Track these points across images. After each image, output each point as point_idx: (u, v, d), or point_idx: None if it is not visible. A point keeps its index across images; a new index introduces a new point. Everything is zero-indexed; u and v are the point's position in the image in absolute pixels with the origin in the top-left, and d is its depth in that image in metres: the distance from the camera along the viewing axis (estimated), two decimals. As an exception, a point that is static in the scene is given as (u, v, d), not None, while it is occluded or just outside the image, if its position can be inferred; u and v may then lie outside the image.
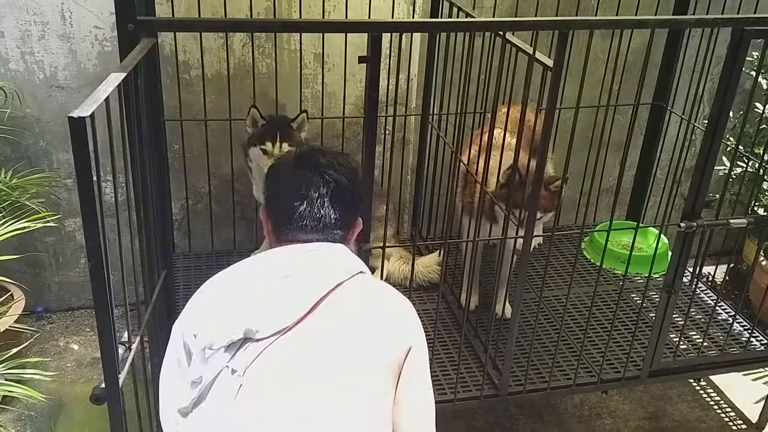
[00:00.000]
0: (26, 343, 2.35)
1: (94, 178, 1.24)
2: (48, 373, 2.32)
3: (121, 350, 1.54)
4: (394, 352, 1.43)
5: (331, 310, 1.43)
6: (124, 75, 1.36)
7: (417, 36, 2.83)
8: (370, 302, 1.50)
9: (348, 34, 2.45)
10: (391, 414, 1.40)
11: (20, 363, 2.11)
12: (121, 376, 1.49)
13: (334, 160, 1.58)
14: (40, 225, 2.22)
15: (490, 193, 2.26)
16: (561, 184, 2.27)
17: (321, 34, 2.56)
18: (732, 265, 3.37)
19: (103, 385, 1.46)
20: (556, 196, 2.28)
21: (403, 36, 2.77)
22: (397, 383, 1.42)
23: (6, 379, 2.01)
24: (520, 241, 2.09)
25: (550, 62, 1.80)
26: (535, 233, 2.13)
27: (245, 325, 1.37)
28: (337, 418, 1.33)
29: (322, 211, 1.53)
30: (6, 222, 2.24)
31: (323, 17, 2.65)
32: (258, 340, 1.37)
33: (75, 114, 1.16)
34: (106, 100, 1.28)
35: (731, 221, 2.17)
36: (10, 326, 2.41)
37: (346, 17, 2.58)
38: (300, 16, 2.62)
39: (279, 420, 1.32)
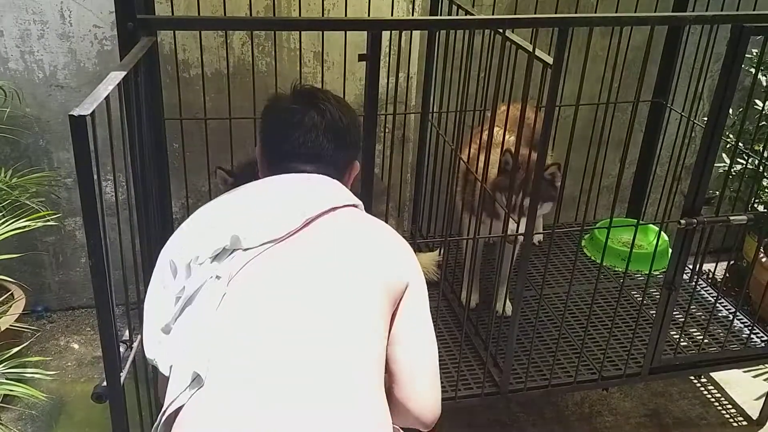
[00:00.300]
0: (26, 343, 2.34)
1: (95, 177, 1.24)
2: (49, 372, 2.32)
3: (122, 348, 1.54)
4: (391, 279, 1.37)
5: (326, 228, 1.40)
6: (124, 73, 1.36)
7: (416, 34, 2.83)
8: (369, 228, 1.47)
9: (348, 33, 2.44)
10: (385, 341, 1.34)
11: (21, 362, 2.11)
12: (123, 375, 1.49)
13: (330, 96, 1.58)
14: (40, 224, 2.22)
15: (487, 187, 2.26)
16: (555, 171, 2.26)
17: (320, 33, 2.56)
18: (732, 262, 3.37)
19: (104, 384, 1.46)
20: (551, 184, 2.27)
21: (403, 34, 2.77)
22: (393, 318, 1.37)
23: (7, 378, 2.01)
24: (519, 238, 2.09)
25: (550, 59, 1.80)
26: (534, 230, 2.13)
27: (233, 233, 1.33)
28: (325, 328, 1.28)
29: (317, 141, 1.51)
30: (6, 221, 2.24)
31: (323, 15, 2.65)
32: (246, 250, 1.34)
33: (75, 112, 1.16)
34: (107, 98, 1.28)
35: (731, 218, 2.17)
36: (10, 325, 2.41)
37: (346, 15, 2.58)
38: (299, 15, 2.62)
39: (261, 328, 1.27)
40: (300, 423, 1.17)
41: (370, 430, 1.22)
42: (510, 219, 2.15)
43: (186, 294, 1.32)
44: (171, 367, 1.28)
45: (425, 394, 1.39)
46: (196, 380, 1.23)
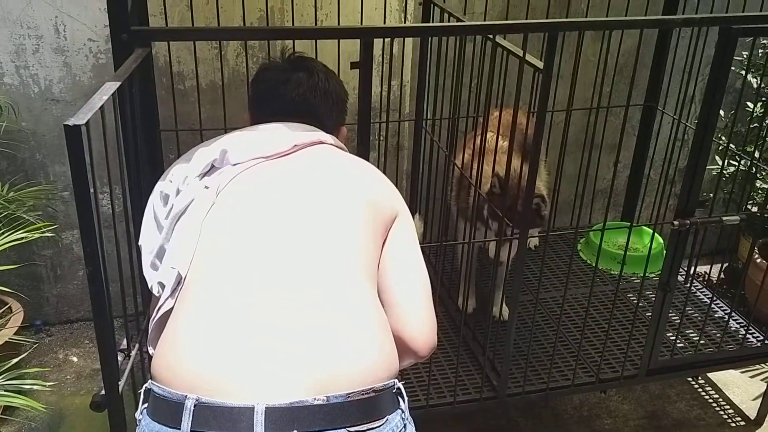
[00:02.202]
0: (24, 354, 2.35)
1: (90, 184, 1.25)
2: (48, 383, 2.33)
3: (120, 357, 1.54)
4: (380, 201, 1.39)
5: (315, 152, 1.44)
6: (118, 84, 1.38)
7: (409, 43, 2.86)
8: (357, 159, 1.52)
9: (341, 43, 2.46)
10: (374, 253, 1.34)
11: (20, 374, 2.11)
12: (121, 383, 1.50)
13: (319, 63, 1.66)
14: (36, 235, 2.23)
15: (486, 199, 2.27)
16: (539, 202, 2.28)
17: (314, 43, 2.58)
18: (728, 264, 3.39)
19: (103, 392, 1.47)
20: (536, 213, 2.29)
21: (396, 43, 2.80)
22: (385, 242, 1.37)
23: (6, 390, 2.02)
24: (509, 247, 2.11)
25: (540, 64, 1.82)
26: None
27: (222, 148, 1.37)
28: (311, 232, 1.29)
29: (305, 97, 1.56)
30: (3, 233, 2.25)
31: (315, 26, 2.67)
32: (234, 165, 1.37)
33: (71, 122, 1.17)
34: (101, 109, 1.30)
35: (724, 218, 2.18)
36: (9, 338, 2.42)
37: (339, 25, 2.60)
38: (293, 25, 2.64)
39: (246, 232, 1.28)
40: (285, 315, 1.17)
41: (372, 327, 1.22)
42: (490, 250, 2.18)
43: (175, 211, 1.35)
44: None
45: (420, 322, 1.36)
46: (180, 282, 1.26)
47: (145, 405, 1.19)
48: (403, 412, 1.22)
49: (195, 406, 1.09)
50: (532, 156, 1.96)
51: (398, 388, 1.23)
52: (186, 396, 1.10)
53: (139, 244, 1.44)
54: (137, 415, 1.21)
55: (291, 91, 1.58)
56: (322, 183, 1.38)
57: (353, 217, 1.33)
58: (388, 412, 1.18)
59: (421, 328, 1.35)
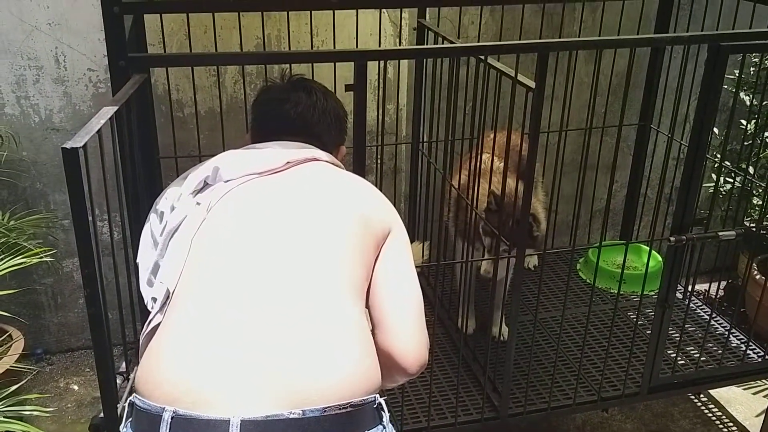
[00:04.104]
0: (24, 382, 2.35)
1: (88, 207, 1.27)
2: (48, 409, 2.33)
3: (119, 380, 1.55)
4: (372, 217, 1.39)
5: (308, 170, 1.45)
6: (116, 108, 1.40)
7: (404, 67, 2.89)
8: (352, 176, 1.53)
9: (337, 68, 2.50)
10: (363, 270, 1.33)
11: (20, 400, 2.11)
12: (120, 406, 1.50)
13: (318, 84, 1.68)
14: (35, 260, 2.25)
15: (481, 218, 2.29)
16: (531, 222, 2.30)
17: (310, 68, 2.61)
18: (727, 281, 3.39)
19: (101, 415, 1.48)
20: (528, 234, 2.30)
21: (391, 66, 2.84)
22: (377, 258, 1.37)
23: (6, 417, 2.02)
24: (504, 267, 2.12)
25: (532, 84, 1.84)
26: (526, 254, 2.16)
27: (214, 166, 1.40)
28: (299, 248, 1.29)
29: (303, 115, 1.58)
30: (2, 260, 2.26)
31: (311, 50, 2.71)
32: (227, 182, 1.39)
33: (68, 145, 1.20)
34: (99, 132, 1.32)
35: (720, 234, 2.20)
36: (10, 366, 2.42)
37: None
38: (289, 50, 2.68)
39: (235, 247, 1.29)
40: (264, 329, 1.18)
41: (352, 342, 1.22)
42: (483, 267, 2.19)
43: (169, 227, 1.37)
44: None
45: (409, 338, 1.34)
46: (168, 297, 1.27)
47: (130, 419, 1.20)
48: (384, 427, 1.22)
49: (172, 418, 1.10)
50: (527, 175, 1.98)
51: (379, 403, 1.22)
52: (164, 408, 1.11)
53: (137, 261, 1.48)
54: (122, 428, 1.22)
55: (290, 110, 1.61)
56: (313, 199, 1.39)
57: (342, 233, 1.33)
58: (367, 427, 1.18)
59: (411, 344, 1.34)
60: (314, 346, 1.18)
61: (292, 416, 1.09)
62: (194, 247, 1.32)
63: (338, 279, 1.28)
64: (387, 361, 1.32)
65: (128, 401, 1.20)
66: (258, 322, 1.19)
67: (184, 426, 1.09)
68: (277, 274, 1.25)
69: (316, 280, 1.26)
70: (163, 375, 1.16)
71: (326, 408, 1.12)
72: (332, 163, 1.56)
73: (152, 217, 1.47)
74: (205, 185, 1.43)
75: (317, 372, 1.15)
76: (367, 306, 1.37)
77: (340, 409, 1.13)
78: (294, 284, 1.25)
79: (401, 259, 1.41)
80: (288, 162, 1.44)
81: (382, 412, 1.23)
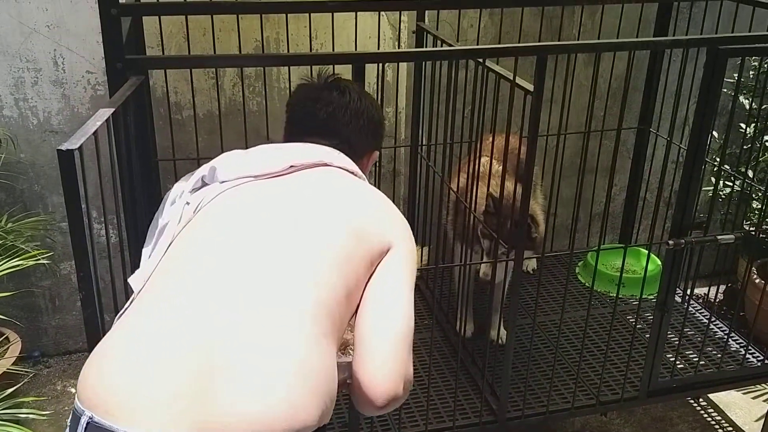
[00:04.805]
0: (20, 384, 2.34)
1: (83, 209, 1.27)
2: (44, 412, 2.32)
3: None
4: (368, 232, 1.29)
5: (311, 176, 1.36)
6: (112, 110, 1.40)
7: (403, 70, 2.89)
8: (360, 186, 1.41)
9: (336, 71, 2.51)
10: (342, 289, 1.22)
11: (16, 403, 2.11)
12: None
13: (356, 85, 1.58)
14: (32, 263, 2.24)
15: (480, 221, 2.29)
16: (529, 223, 2.29)
17: (309, 69, 2.61)
18: (729, 285, 3.39)
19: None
20: (527, 235, 2.30)
21: (390, 70, 2.83)
22: (372, 276, 1.28)
23: (2, 420, 2.01)
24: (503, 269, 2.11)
25: (530, 87, 1.84)
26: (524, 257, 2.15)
27: (212, 165, 1.35)
28: (275, 261, 1.20)
29: (336, 116, 1.50)
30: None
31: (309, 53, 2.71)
32: (222, 182, 1.33)
33: (64, 147, 1.20)
34: (95, 134, 1.32)
35: (719, 237, 2.19)
36: (7, 369, 2.41)
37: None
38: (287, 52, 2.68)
39: (208, 250, 1.23)
40: (201, 347, 1.09)
41: (285, 373, 1.10)
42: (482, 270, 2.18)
43: (162, 224, 1.35)
44: None
45: (380, 367, 1.21)
46: (132, 300, 1.24)
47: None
48: None
49: (87, 423, 1.06)
50: (525, 178, 1.98)
51: None
52: (84, 412, 1.08)
53: (143, 250, 1.45)
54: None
55: (320, 110, 1.52)
56: (306, 207, 1.31)
57: (326, 246, 1.24)
58: None
59: (381, 373, 1.21)
60: (243, 373, 1.08)
61: None
62: (170, 251, 1.28)
63: (307, 303, 1.17)
64: (356, 388, 1.23)
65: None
66: (202, 340, 1.10)
67: None
68: (240, 291, 1.17)
69: (281, 301, 1.16)
70: (92, 376, 1.12)
71: None
72: (347, 170, 1.44)
73: (159, 208, 1.45)
74: (203, 184, 1.39)
75: (233, 402, 1.06)
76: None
77: None
78: (254, 304, 1.15)
79: (394, 279, 1.29)
80: (292, 165, 1.36)
81: None
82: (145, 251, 1.44)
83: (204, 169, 1.41)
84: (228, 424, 1.04)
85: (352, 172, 1.45)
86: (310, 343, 1.14)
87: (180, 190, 1.42)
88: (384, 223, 1.35)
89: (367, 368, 1.21)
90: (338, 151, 1.47)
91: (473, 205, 2.25)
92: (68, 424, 1.12)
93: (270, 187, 1.34)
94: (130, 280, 1.35)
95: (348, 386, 1.28)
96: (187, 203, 1.35)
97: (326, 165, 1.41)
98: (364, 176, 1.49)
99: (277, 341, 1.12)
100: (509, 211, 2.18)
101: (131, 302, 1.26)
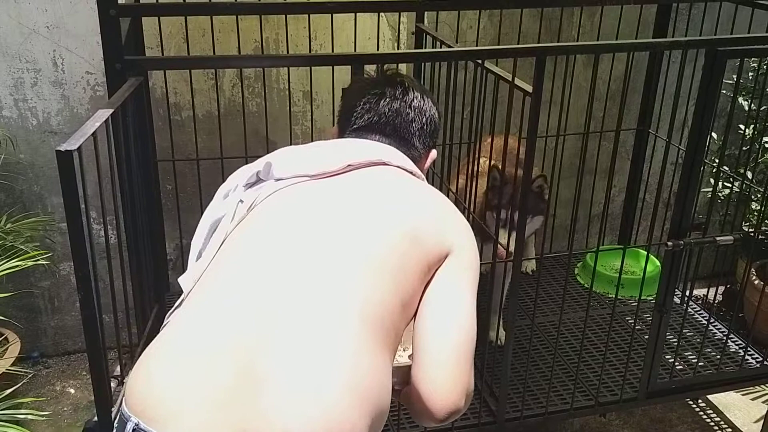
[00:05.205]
0: (19, 385, 2.34)
1: (82, 209, 1.27)
2: (43, 413, 2.32)
3: (113, 384, 1.55)
4: (425, 237, 1.23)
5: (369, 175, 1.30)
6: (111, 111, 1.40)
7: (403, 70, 2.88)
8: (419, 187, 1.35)
9: (335, 72, 2.51)
10: (399, 296, 1.17)
11: (15, 404, 2.11)
12: (114, 409, 1.50)
13: (418, 83, 1.51)
14: (31, 263, 2.25)
15: (478, 205, 2.28)
16: (542, 183, 2.29)
17: (309, 72, 2.62)
18: (729, 286, 3.39)
19: (95, 419, 1.47)
20: (539, 197, 2.29)
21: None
22: (429, 282, 1.23)
23: (1, 420, 2.01)
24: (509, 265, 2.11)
25: (529, 88, 1.84)
26: (525, 256, 2.15)
27: (268, 161, 1.29)
28: (321, 276, 1.15)
29: (399, 113, 1.43)
30: (-1, 262, 2.27)
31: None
32: (277, 180, 1.27)
33: (62, 147, 1.20)
34: (94, 135, 1.32)
35: (718, 239, 2.19)
36: (6, 369, 2.41)
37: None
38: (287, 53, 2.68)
39: (259, 253, 1.19)
40: (246, 355, 1.07)
41: (329, 388, 1.06)
42: (499, 240, 2.17)
43: (215, 218, 1.30)
44: None
45: (442, 378, 1.18)
46: (182, 301, 1.21)
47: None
48: None
49: (134, 430, 1.06)
50: (524, 181, 1.98)
51: None
52: (130, 418, 1.07)
53: (191, 242, 1.38)
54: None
55: (384, 106, 1.45)
56: (360, 211, 1.24)
57: (380, 252, 1.19)
58: None
59: (441, 385, 1.17)
60: (289, 385, 1.05)
61: None
62: (222, 250, 1.24)
63: (354, 305, 1.13)
64: (416, 400, 1.19)
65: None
66: (249, 344, 1.08)
67: None
68: (290, 299, 1.13)
69: (332, 310, 1.12)
70: (139, 383, 1.11)
71: None
72: (406, 169, 1.38)
73: (213, 200, 1.38)
74: (258, 180, 1.33)
75: (277, 415, 1.03)
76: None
77: None
78: (304, 313, 1.12)
79: (455, 286, 1.25)
80: (349, 165, 1.30)
81: None
82: (195, 246, 1.37)
83: (259, 164, 1.33)
84: None
85: (411, 172, 1.40)
86: (360, 353, 1.10)
87: (234, 184, 1.34)
88: (443, 227, 1.29)
89: (430, 380, 1.18)
90: (396, 150, 1.42)
91: (472, 206, 2.25)
92: (115, 425, 1.11)
93: (326, 189, 1.28)
94: (180, 280, 1.29)
95: (395, 392, 1.23)
96: (241, 201, 1.29)
97: (384, 164, 1.35)
98: (422, 176, 1.45)
99: (326, 350, 1.08)
100: (514, 181, 2.14)
101: (181, 302, 1.24)
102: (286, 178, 1.29)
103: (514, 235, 2.14)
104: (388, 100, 1.45)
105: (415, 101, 1.46)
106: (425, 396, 1.17)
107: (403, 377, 1.24)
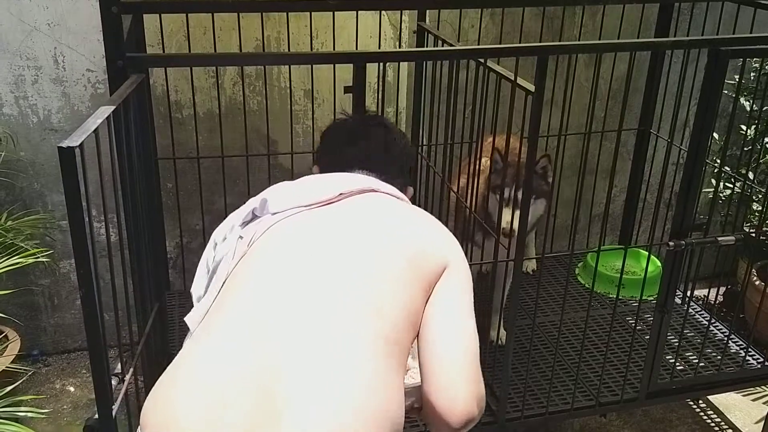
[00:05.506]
0: (19, 383, 2.34)
1: (84, 206, 1.26)
2: (43, 411, 2.32)
3: (114, 382, 1.54)
4: (422, 256, 1.27)
5: (361, 202, 1.36)
6: (113, 108, 1.39)
7: (404, 69, 2.89)
8: (408, 209, 1.42)
9: (336, 71, 2.51)
10: (404, 313, 1.21)
11: (15, 401, 2.10)
12: (115, 408, 1.49)
13: (396, 128, 1.64)
14: (31, 260, 2.24)
15: (480, 187, 2.27)
16: (546, 163, 2.28)
17: (310, 70, 2.61)
18: (730, 287, 3.38)
19: (96, 417, 1.47)
20: (542, 178, 2.29)
21: (391, 69, 2.83)
22: (429, 297, 1.26)
23: (1, 418, 2.01)
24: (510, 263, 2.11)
25: (531, 87, 1.84)
26: (525, 256, 2.14)
27: (263, 197, 1.34)
28: (332, 301, 1.18)
29: (379, 154, 1.52)
30: (-2, 260, 2.26)
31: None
32: (274, 214, 1.32)
33: (65, 144, 1.19)
34: (96, 132, 1.31)
35: (719, 239, 2.19)
36: (6, 367, 2.41)
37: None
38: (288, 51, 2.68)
39: (265, 284, 1.21)
40: (262, 378, 1.08)
41: (346, 410, 1.08)
42: (500, 245, 2.17)
43: (216, 259, 1.33)
44: None
45: (454, 388, 1.20)
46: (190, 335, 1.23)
47: None
48: None
49: None
50: (526, 180, 1.97)
51: None
52: None
53: (191, 291, 1.42)
54: None
55: (366, 147, 1.54)
56: (360, 233, 1.29)
57: (384, 274, 1.23)
58: None
59: (454, 394, 1.20)
60: (308, 404, 1.07)
61: None
62: (227, 285, 1.26)
63: (365, 327, 1.16)
64: (430, 414, 1.22)
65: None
66: (263, 371, 1.10)
67: None
68: (302, 325, 1.15)
69: (345, 330, 1.15)
70: (160, 410, 1.11)
71: None
72: (393, 195, 1.46)
73: (209, 245, 1.42)
74: (254, 217, 1.37)
75: None
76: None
77: None
78: (317, 336, 1.14)
79: (455, 298, 1.29)
80: (341, 193, 1.37)
81: None
82: (196, 289, 1.40)
83: (255, 202, 1.38)
84: None
85: (398, 198, 1.46)
86: (376, 374, 1.13)
87: (230, 225, 1.39)
88: (439, 244, 1.34)
89: (442, 392, 1.20)
90: (380, 180, 1.48)
91: (473, 206, 2.25)
92: None
93: (323, 215, 1.33)
94: (186, 319, 1.31)
95: (415, 410, 1.27)
96: (240, 237, 1.32)
97: (374, 191, 1.42)
98: (408, 202, 1.52)
99: (343, 373, 1.10)
100: (516, 165, 2.14)
101: (188, 339, 1.26)
102: (282, 210, 1.34)
103: (517, 214, 2.14)
104: (371, 140, 1.55)
105: (397, 140, 1.58)
106: (440, 409, 1.20)
107: (420, 395, 1.26)
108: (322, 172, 1.56)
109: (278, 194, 1.37)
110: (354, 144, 1.54)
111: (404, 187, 1.57)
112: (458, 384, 1.21)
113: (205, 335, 1.20)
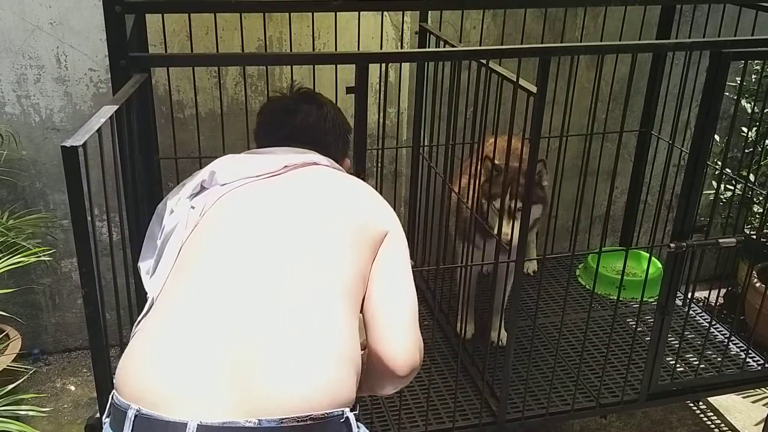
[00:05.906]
0: (20, 381, 2.34)
1: (86, 205, 1.27)
2: (44, 410, 2.32)
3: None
4: (367, 220, 1.39)
5: (306, 173, 1.47)
6: (116, 107, 1.40)
7: (406, 70, 2.89)
8: (350, 179, 1.54)
9: (338, 72, 2.51)
10: (353, 269, 1.32)
11: (16, 400, 2.11)
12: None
13: (328, 99, 1.73)
14: (33, 260, 2.25)
15: (480, 220, 2.28)
16: (541, 168, 2.28)
17: (312, 71, 2.61)
18: (730, 288, 3.39)
19: (97, 415, 1.47)
20: (537, 184, 2.29)
21: (393, 70, 2.83)
22: (374, 261, 1.37)
23: (2, 417, 2.01)
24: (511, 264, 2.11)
25: (533, 88, 1.84)
26: (526, 257, 2.15)
27: (210, 170, 1.42)
28: (290, 260, 1.28)
29: (314, 127, 1.62)
30: (0, 258, 2.26)
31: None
32: (222, 185, 1.41)
33: (68, 143, 1.19)
34: (99, 131, 1.31)
35: (720, 241, 2.19)
36: (7, 365, 2.41)
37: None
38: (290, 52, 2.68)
39: (220, 251, 1.30)
40: (235, 336, 1.18)
41: (323, 353, 1.19)
42: (501, 246, 2.17)
43: (166, 231, 1.39)
44: None
45: (400, 338, 1.30)
46: (152, 305, 1.30)
47: (109, 415, 1.22)
48: None
49: (135, 416, 1.13)
50: (528, 180, 1.97)
51: (347, 418, 1.18)
52: (129, 405, 1.14)
53: (138, 265, 1.48)
54: (104, 419, 1.25)
55: (300, 121, 1.64)
56: (309, 202, 1.40)
57: (337, 236, 1.33)
58: None
59: (400, 344, 1.30)
60: (284, 355, 1.17)
61: (247, 425, 1.10)
62: (183, 252, 1.34)
63: (330, 285, 1.27)
64: (377, 365, 1.30)
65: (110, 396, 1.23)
66: (233, 329, 1.19)
67: (145, 425, 1.12)
68: (264, 280, 1.25)
69: (305, 286, 1.25)
70: (133, 373, 1.19)
71: (283, 419, 1.11)
72: (333, 168, 1.57)
73: (153, 220, 1.49)
74: (202, 189, 1.45)
75: (279, 382, 1.14)
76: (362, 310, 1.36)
77: (298, 421, 1.11)
78: (280, 291, 1.24)
79: (396, 260, 1.40)
80: (286, 166, 1.46)
81: (351, 427, 1.19)
82: (143, 265, 1.47)
83: (203, 174, 1.46)
84: (278, 405, 1.11)
85: (338, 169, 1.58)
86: (344, 322, 1.24)
87: (176, 198, 1.44)
88: (379, 212, 1.46)
89: (388, 342, 1.30)
90: (319, 154, 1.58)
91: (475, 207, 2.25)
92: (106, 421, 1.19)
93: (270, 186, 1.42)
94: (146, 286, 1.40)
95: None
96: (192, 207, 1.39)
97: (315, 164, 1.52)
98: (345, 172, 1.62)
99: (313, 325, 1.21)
100: (515, 170, 2.14)
101: (150, 307, 1.31)
102: (231, 182, 1.42)
103: (514, 223, 2.16)
104: (304, 114, 1.64)
105: (329, 114, 1.67)
106: (387, 356, 1.29)
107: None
108: (257, 142, 1.67)
109: (226, 166, 1.46)
110: (288, 119, 1.64)
111: (341, 158, 1.69)
112: (406, 335, 1.31)
113: (170, 305, 1.27)
